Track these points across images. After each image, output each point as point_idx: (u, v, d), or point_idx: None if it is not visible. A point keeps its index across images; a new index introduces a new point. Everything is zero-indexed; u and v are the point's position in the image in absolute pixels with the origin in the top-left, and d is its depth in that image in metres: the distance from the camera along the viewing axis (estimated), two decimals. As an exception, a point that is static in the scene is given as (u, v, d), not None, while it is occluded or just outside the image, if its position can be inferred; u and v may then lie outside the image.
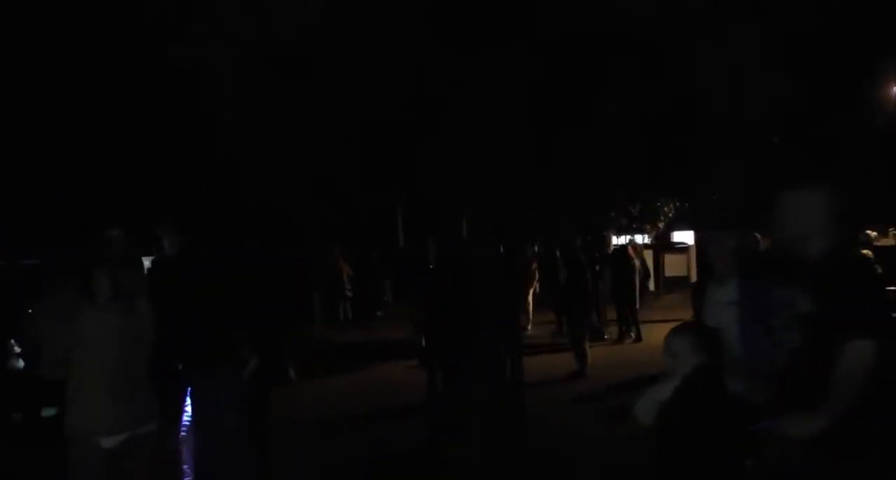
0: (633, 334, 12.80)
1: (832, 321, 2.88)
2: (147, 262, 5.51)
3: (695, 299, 5.08)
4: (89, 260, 3.95)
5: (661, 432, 3.06)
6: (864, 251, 3.58)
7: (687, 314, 5.71)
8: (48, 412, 6.84)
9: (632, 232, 22.40)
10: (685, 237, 23.78)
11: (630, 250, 13.48)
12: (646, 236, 22.85)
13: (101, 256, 3.95)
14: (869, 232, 15.01)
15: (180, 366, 4.95)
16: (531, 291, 14.71)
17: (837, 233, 3.09)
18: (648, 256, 17.32)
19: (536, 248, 16.86)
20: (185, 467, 5.48)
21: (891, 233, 14.78)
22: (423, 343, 7.79)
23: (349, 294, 17.31)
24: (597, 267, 12.50)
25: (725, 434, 2.96)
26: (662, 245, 22.68)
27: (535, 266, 14.79)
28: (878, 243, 14.28)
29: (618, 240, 20.32)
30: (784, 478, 3.05)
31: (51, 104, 16.56)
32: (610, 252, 14.15)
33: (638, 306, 12.96)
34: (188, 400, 4.95)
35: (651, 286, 17.03)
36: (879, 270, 3.16)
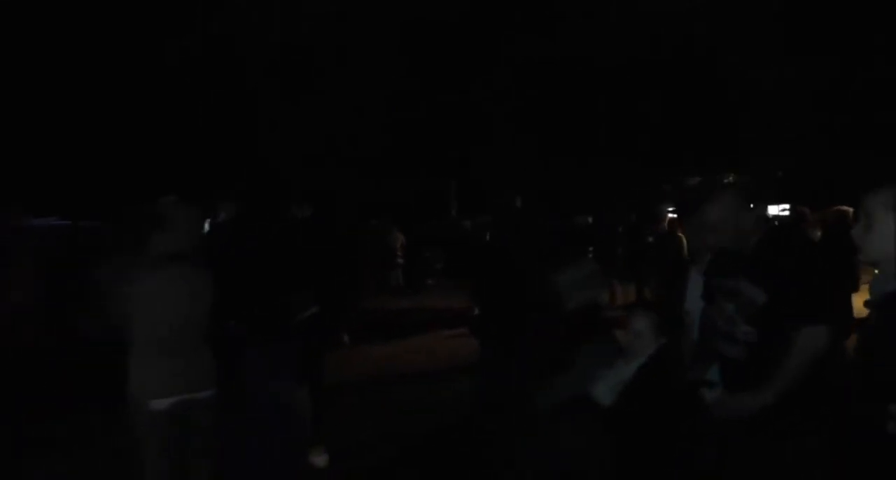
0: None
1: (784, 310, 2.85)
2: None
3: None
4: (148, 223, 3.95)
5: (622, 411, 3.02)
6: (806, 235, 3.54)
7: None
8: None
9: (689, 206, 21.89)
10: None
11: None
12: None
13: (160, 219, 3.93)
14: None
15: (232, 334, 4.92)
16: None
17: (759, 224, 3.13)
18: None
19: (591, 220, 16.59)
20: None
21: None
22: (476, 312, 7.75)
23: (400, 262, 17.41)
24: (650, 240, 12.25)
25: (685, 417, 2.94)
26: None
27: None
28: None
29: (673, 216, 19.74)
30: (724, 459, 3.00)
31: (125, 81, 17.18)
32: (664, 228, 13.50)
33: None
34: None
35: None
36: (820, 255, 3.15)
